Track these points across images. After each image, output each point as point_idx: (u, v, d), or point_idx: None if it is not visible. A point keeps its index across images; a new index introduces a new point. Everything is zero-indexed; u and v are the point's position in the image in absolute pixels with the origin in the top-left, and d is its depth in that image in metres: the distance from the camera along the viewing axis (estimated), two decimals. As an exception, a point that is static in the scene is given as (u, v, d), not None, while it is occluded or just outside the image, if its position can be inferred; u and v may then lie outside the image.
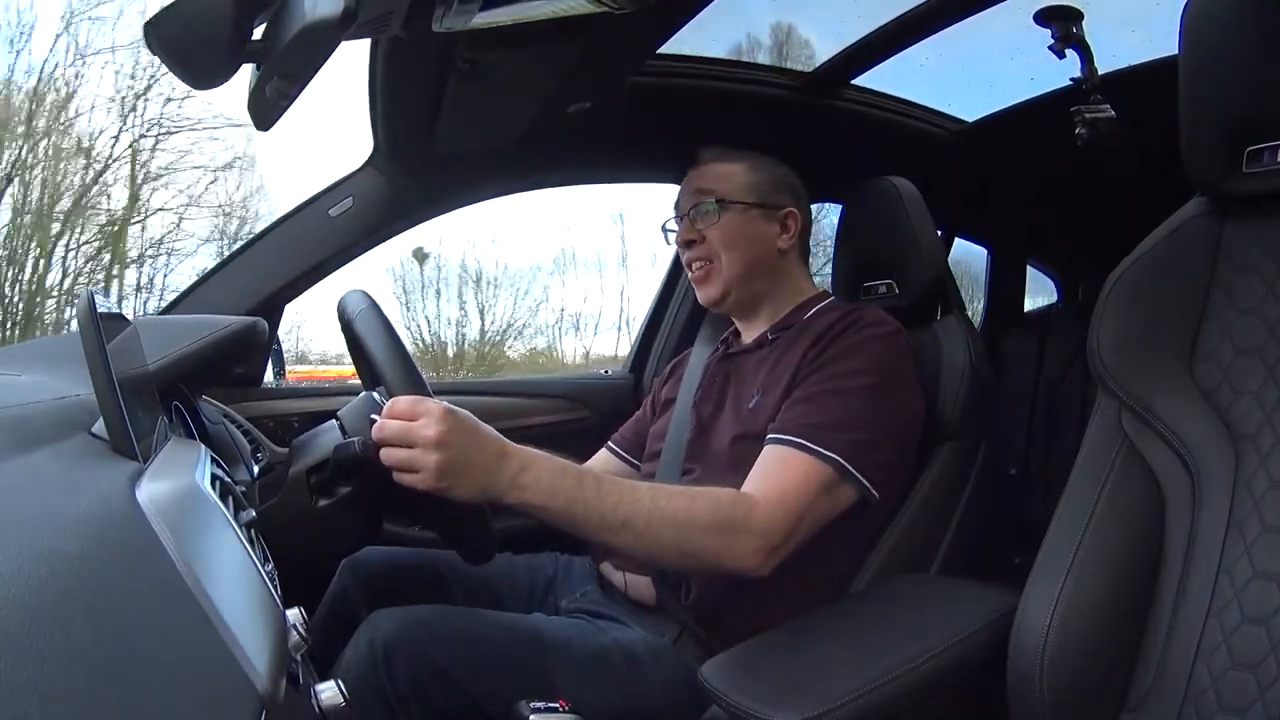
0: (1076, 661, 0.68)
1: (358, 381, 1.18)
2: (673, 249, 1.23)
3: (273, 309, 1.32)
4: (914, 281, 1.09)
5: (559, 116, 1.15)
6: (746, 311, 1.11)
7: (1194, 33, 0.71)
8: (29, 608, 0.30)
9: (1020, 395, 1.90)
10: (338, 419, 0.87)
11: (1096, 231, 1.83)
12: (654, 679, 0.90)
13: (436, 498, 0.78)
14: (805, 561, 0.89)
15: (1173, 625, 0.67)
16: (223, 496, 0.57)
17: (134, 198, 4.71)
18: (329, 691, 0.49)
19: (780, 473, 0.89)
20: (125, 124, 4.58)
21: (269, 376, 1.39)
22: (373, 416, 0.81)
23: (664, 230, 1.17)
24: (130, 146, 4.61)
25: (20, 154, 4.47)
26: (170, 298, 1.40)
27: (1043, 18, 1.26)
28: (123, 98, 4.53)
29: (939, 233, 1.17)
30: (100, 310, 0.56)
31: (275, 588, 0.54)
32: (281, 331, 1.40)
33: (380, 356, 0.84)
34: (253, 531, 0.60)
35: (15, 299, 4.66)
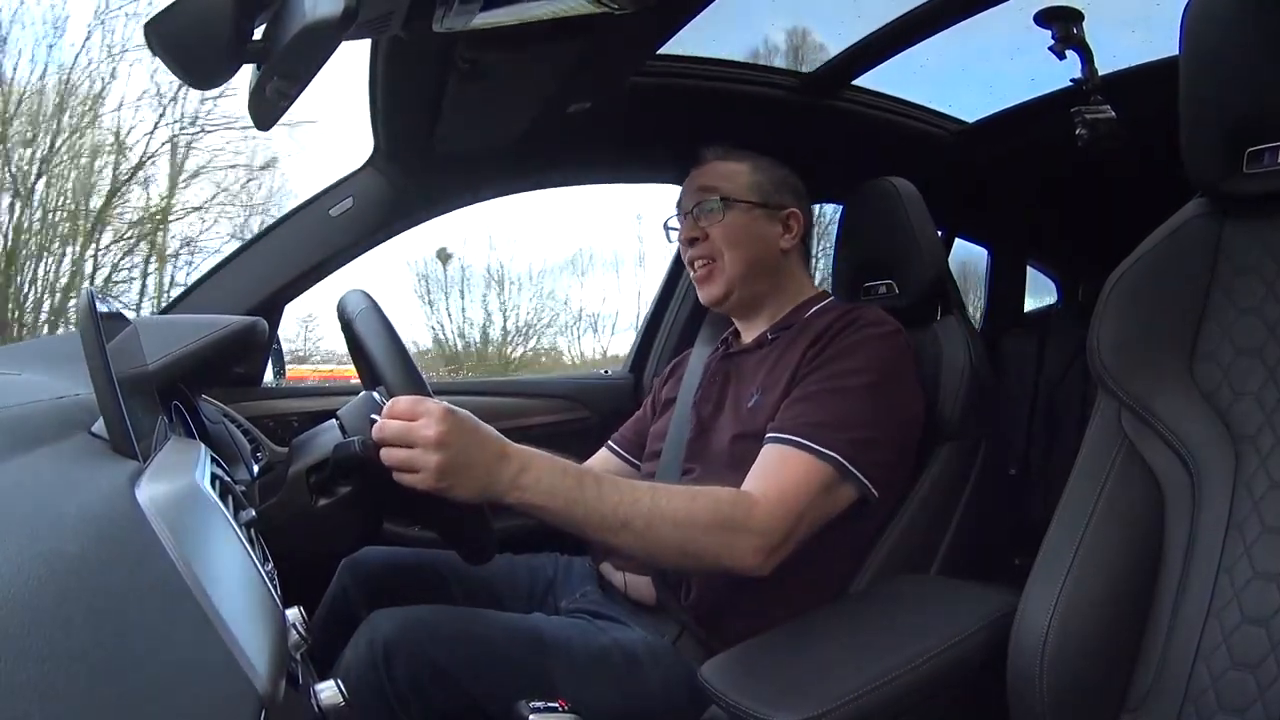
0: (1076, 661, 0.68)
1: (357, 381, 1.18)
2: (673, 248, 1.24)
3: (273, 309, 1.32)
4: (914, 282, 1.09)
5: (559, 116, 1.15)
6: (747, 311, 1.11)
7: (1194, 33, 0.71)
8: (29, 608, 0.30)
9: (1020, 395, 1.90)
10: (337, 418, 0.87)
11: (1096, 232, 1.84)
12: (654, 679, 0.90)
13: (436, 498, 0.78)
14: (805, 561, 0.89)
15: (1173, 625, 0.67)
16: (223, 496, 0.57)
17: (171, 194, 4.71)
18: (329, 691, 0.49)
19: (780, 472, 0.89)
20: (162, 118, 4.56)
21: (269, 376, 1.40)
22: (373, 416, 0.81)
23: (666, 228, 1.17)
24: (169, 141, 4.59)
25: (52, 149, 4.47)
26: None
27: (1043, 19, 1.26)
28: (160, 94, 4.51)
29: (939, 233, 1.17)
30: (100, 310, 0.56)
31: (275, 588, 0.54)
32: (289, 330, 1.40)
33: (380, 356, 0.84)
34: (253, 531, 0.60)
35: (46, 295, 4.65)
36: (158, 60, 0.61)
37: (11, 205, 4.40)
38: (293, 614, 0.50)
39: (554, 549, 1.15)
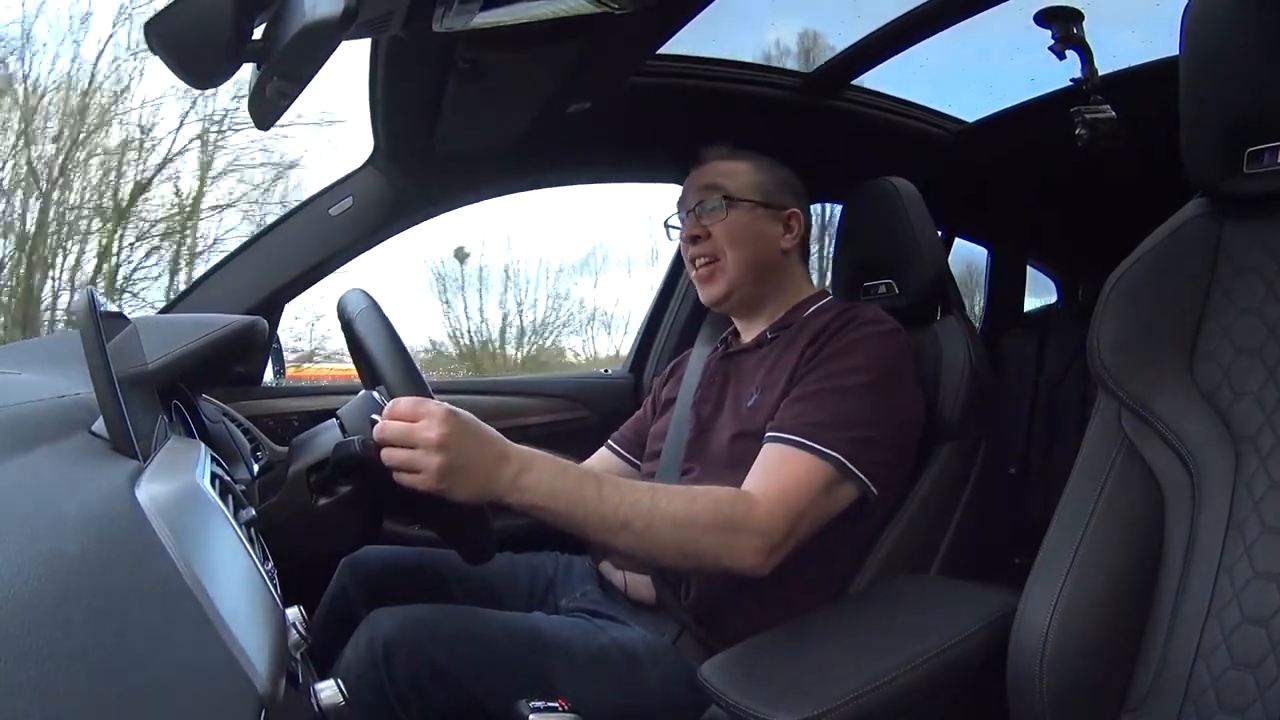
0: (1076, 661, 0.68)
1: (357, 380, 1.18)
2: (673, 247, 1.23)
3: (273, 308, 1.32)
4: (914, 281, 1.09)
5: (559, 116, 1.15)
6: (747, 311, 1.11)
7: (1194, 33, 0.71)
8: (29, 608, 0.30)
9: (1020, 395, 1.90)
10: (337, 418, 0.87)
11: (1096, 232, 1.84)
12: (653, 678, 0.90)
13: (437, 497, 0.78)
14: (805, 561, 0.89)
15: (1173, 625, 0.67)
16: (223, 495, 0.57)
17: (200, 192, 4.69)
18: (329, 691, 0.49)
19: (780, 471, 0.89)
20: (191, 113, 4.54)
21: (269, 375, 1.40)
22: (373, 417, 0.81)
23: (666, 226, 1.17)
24: (198, 138, 4.58)
25: (75, 145, 4.45)
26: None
27: (1043, 18, 1.26)
28: (188, 91, 4.50)
29: (939, 233, 1.17)
30: (100, 310, 0.56)
31: (275, 587, 0.54)
32: (295, 329, 1.41)
33: (381, 357, 0.84)
34: (253, 530, 0.60)
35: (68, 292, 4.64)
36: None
37: (38, 202, 4.39)
38: (293, 613, 0.50)
39: (554, 548, 1.15)
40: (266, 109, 0.67)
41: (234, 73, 0.63)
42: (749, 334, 1.11)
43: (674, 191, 1.17)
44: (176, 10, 0.58)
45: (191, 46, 0.60)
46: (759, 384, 1.01)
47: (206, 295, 1.30)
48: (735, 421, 1.01)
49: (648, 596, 0.99)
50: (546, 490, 0.81)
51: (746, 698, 0.71)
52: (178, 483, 0.51)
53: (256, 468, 0.98)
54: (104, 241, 4.50)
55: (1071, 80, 1.33)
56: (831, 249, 1.25)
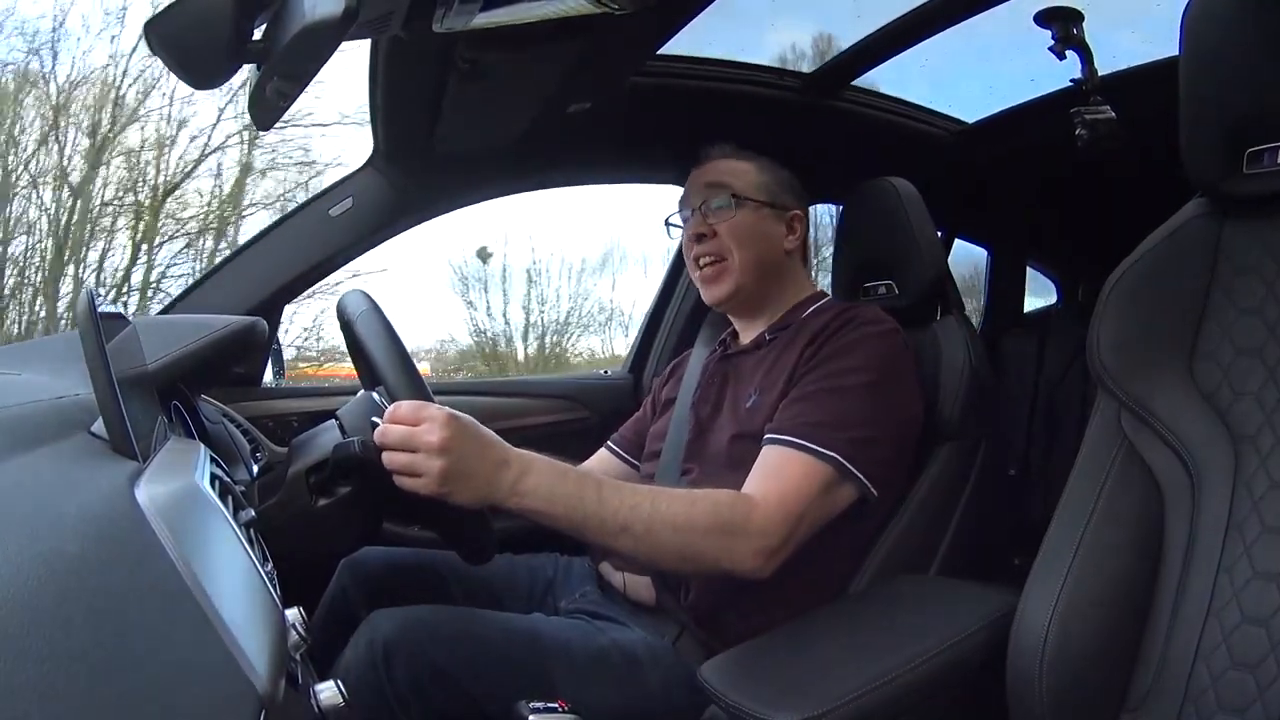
0: (1076, 662, 0.68)
1: (356, 380, 1.18)
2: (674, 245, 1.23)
3: (273, 309, 1.32)
4: (913, 282, 1.09)
5: (559, 116, 1.15)
6: (748, 311, 1.11)
7: (1194, 33, 0.71)
8: (29, 608, 0.30)
9: (1020, 395, 1.90)
10: (337, 418, 0.87)
11: (1096, 232, 1.84)
12: (653, 679, 0.90)
13: (437, 500, 0.78)
14: (805, 562, 0.89)
15: (1172, 625, 0.67)
16: (222, 496, 0.57)
17: (239, 191, 4.69)
18: (328, 691, 0.49)
19: (779, 473, 0.89)
20: (229, 109, 4.54)
21: (269, 376, 1.40)
22: (374, 419, 0.81)
23: (667, 225, 1.17)
24: (237, 134, 4.57)
25: (107, 142, 4.44)
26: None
27: (1043, 19, 1.26)
28: (229, 88, 4.50)
29: (939, 233, 1.17)
30: (99, 310, 0.56)
31: (275, 588, 0.54)
32: (297, 327, 1.41)
33: (381, 359, 0.84)
34: (252, 531, 0.60)
35: (101, 291, 4.64)
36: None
37: (70, 199, 4.38)
38: (292, 614, 0.49)
39: (554, 549, 1.15)
40: (267, 109, 0.67)
41: (234, 73, 0.63)
42: (748, 335, 1.11)
43: (676, 193, 1.16)
44: (176, 10, 0.58)
45: (191, 47, 0.60)
46: (758, 385, 1.01)
47: (206, 296, 1.30)
48: (734, 422, 1.01)
49: (647, 598, 0.99)
50: (546, 494, 0.81)
51: (746, 698, 0.71)
52: (177, 483, 0.51)
53: (256, 468, 0.98)
54: (136, 239, 4.50)
55: (1071, 81, 1.33)
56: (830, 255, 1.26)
